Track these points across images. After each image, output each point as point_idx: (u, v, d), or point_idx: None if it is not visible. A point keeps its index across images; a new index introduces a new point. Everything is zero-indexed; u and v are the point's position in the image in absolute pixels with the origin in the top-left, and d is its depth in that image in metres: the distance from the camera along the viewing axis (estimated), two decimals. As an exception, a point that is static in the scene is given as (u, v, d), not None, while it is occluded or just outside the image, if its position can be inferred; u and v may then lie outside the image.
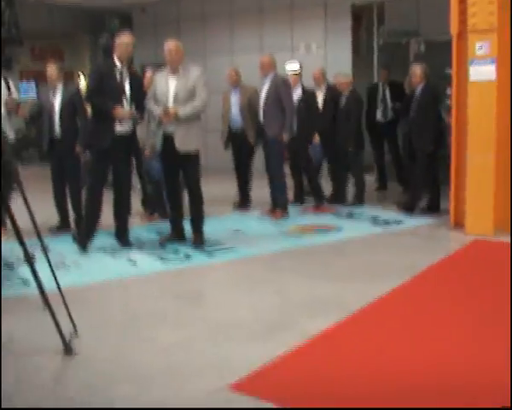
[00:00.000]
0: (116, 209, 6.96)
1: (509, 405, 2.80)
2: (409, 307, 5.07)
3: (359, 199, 9.30)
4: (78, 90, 8.12)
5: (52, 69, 7.68)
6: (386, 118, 10.53)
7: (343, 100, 9.24)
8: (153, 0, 14.43)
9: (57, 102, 7.62)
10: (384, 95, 10.68)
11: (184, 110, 6.70)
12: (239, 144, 9.05)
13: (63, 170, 7.71)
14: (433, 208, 8.56)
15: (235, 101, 9.02)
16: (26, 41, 14.52)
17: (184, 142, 6.76)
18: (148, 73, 8.19)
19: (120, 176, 6.89)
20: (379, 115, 10.59)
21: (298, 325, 4.60)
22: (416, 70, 8.56)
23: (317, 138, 9.26)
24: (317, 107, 9.35)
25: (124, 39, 6.72)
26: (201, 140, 7.14)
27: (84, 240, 6.84)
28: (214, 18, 13.90)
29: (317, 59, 12.34)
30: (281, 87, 8.31)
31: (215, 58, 13.61)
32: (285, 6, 12.83)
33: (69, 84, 8.10)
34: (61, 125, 7.58)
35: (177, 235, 7.15)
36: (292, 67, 9.23)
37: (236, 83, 9.08)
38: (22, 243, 4.37)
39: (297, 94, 8.95)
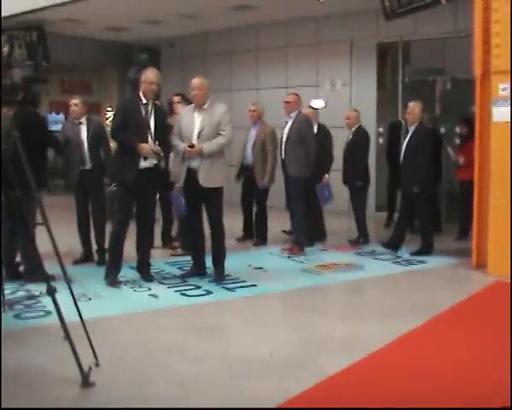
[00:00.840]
0: (139, 242, 7.00)
1: (509, 405, 2.78)
2: (428, 348, 5.04)
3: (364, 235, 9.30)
4: (100, 123, 8.27)
5: (75, 102, 7.80)
6: None
7: (350, 136, 9.25)
8: (181, 34, 14.66)
9: (83, 135, 7.72)
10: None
11: (210, 146, 6.77)
12: (249, 179, 9.17)
13: (88, 201, 7.81)
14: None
15: (251, 136, 9.16)
16: (55, 74, 14.82)
17: (208, 177, 6.82)
18: (176, 99, 8.30)
19: (144, 209, 6.95)
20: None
21: (314, 363, 4.60)
22: (415, 108, 8.56)
23: (327, 178, 9.15)
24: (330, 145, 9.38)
25: (149, 75, 6.79)
26: (225, 176, 7.22)
27: (111, 273, 6.86)
28: (241, 54, 14.09)
29: (342, 96, 12.43)
30: (304, 126, 8.40)
31: (240, 94, 13.76)
32: (310, 42, 12.96)
33: (93, 118, 8.18)
34: (91, 158, 7.69)
35: (199, 270, 7.19)
36: (317, 104, 9.31)
37: (256, 119, 9.18)
38: (45, 274, 4.45)
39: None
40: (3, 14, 11.32)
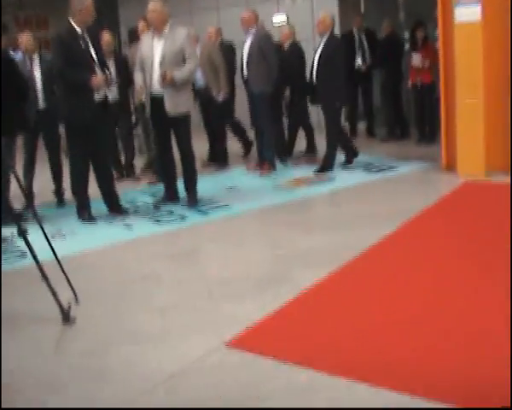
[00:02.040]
0: (101, 181, 6.85)
1: (509, 405, 2.84)
2: (402, 254, 5.11)
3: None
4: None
5: (26, 38, 7.37)
6: (366, 63, 10.56)
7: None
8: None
9: (37, 73, 7.29)
10: (361, 41, 10.68)
11: (181, 74, 6.63)
12: (205, 102, 9.05)
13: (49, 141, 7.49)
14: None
15: None
16: (9, 9, 14.40)
17: (175, 105, 6.72)
18: (142, 25, 8.14)
19: (100, 144, 6.73)
20: (358, 62, 10.59)
21: (292, 278, 4.66)
22: (326, 18, 8.21)
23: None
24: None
25: (81, 2, 6.34)
26: (192, 101, 7.12)
27: (82, 212, 6.78)
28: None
29: (303, 8, 12.22)
30: (263, 41, 8.23)
31: (200, 14, 13.47)
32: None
33: (45, 53, 7.68)
34: (45, 97, 7.25)
35: (171, 197, 7.19)
36: (278, 19, 9.10)
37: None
38: (15, 217, 4.43)
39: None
40: None
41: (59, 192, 7.61)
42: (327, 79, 7.98)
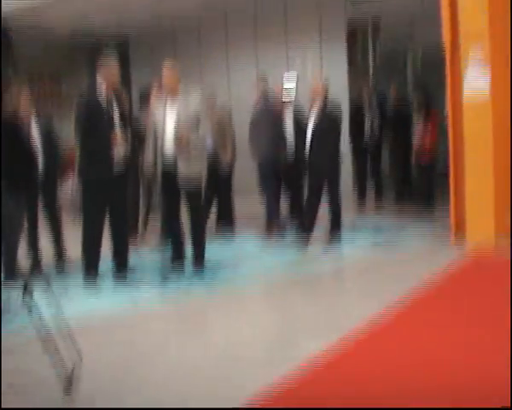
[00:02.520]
0: (115, 245, 6.83)
1: (509, 405, 2.79)
2: (410, 321, 5.07)
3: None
4: (51, 121, 7.84)
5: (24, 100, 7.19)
6: (374, 134, 10.68)
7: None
8: (148, 23, 14.48)
9: (35, 135, 7.21)
10: (371, 106, 10.80)
11: (195, 137, 6.73)
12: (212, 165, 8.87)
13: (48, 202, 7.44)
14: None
15: None
16: (23, 76, 14.56)
17: (188, 166, 6.75)
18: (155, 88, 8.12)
19: (118, 208, 6.77)
20: (367, 126, 10.71)
21: (298, 347, 4.60)
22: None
23: None
24: None
25: (112, 71, 6.62)
26: (205, 165, 7.14)
27: (89, 273, 6.72)
28: (210, 34, 13.92)
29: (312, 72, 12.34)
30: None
31: (211, 74, 13.62)
32: (279, 19, 12.82)
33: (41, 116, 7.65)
34: (46, 158, 7.22)
35: (178, 257, 7.12)
36: (289, 83, 9.13)
37: None
38: (22, 277, 4.40)
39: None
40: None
41: (59, 253, 7.51)
42: (319, 152, 7.77)
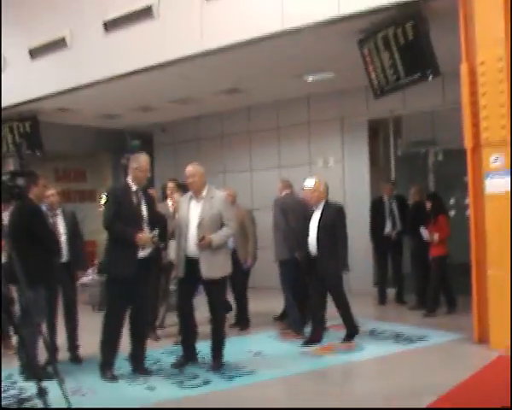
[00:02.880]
0: (134, 339, 6.75)
1: (508, 405, 2.67)
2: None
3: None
4: (74, 213, 7.81)
5: (52, 193, 7.46)
6: (396, 230, 10.66)
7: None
8: (173, 119, 14.80)
9: (60, 227, 7.39)
10: (391, 208, 10.83)
11: (219, 238, 6.73)
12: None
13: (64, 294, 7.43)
14: None
15: None
16: (50, 163, 14.90)
17: (211, 268, 6.73)
18: (171, 185, 8.20)
19: (140, 303, 6.71)
20: (388, 229, 10.71)
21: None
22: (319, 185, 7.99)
23: None
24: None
25: (142, 163, 6.67)
26: (229, 265, 7.07)
27: (105, 369, 6.62)
28: (233, 136, 14.18)
29: (335, 173, 12.47)
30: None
31: (234, 176, 13.80)
32: (302, 121, 13.06)
33: (65, 207, 7.85)
34: (69, 250, 7.34)
35: (190, 358, 7.04)
36: (309, 183, 9.13)
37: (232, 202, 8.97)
38: (37, 375, 4.34)
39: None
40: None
41: (73, 348, 7.45)
42: (328, 250, 7.70)
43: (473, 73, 7.49)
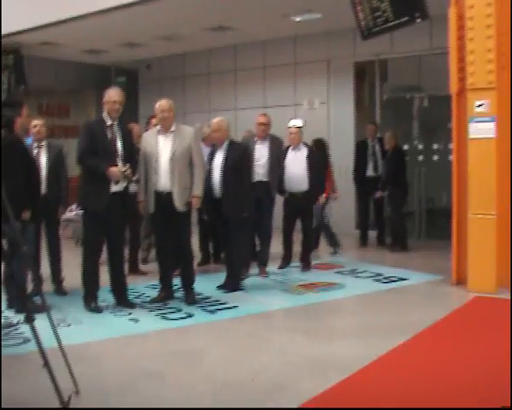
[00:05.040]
0: (112, 271, 6.85)
1: (508, 405, 2.79)
2: (410, 367, 5.04)
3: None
4: (61, 149, 7.73)
5: (41, 123, 7.45)
6: (377, 172, 10.72)
7: None
8: (158, 56, 14.67)
9: (43, 160, 7.34)
10: (374, 150, 10.87)
11: (200, 187, 6.92)
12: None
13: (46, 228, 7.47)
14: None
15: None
16: (33, 97, 14.74)
17: (184, 201, 6.85)
18: (154, 121, 8.14)
19: (115, 236, 6.77)
20: (370, 170, 10.78)
21: (295, 387, 4.57)
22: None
23: (323, 198, 9.16)
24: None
25: (111, 94, 6.64)
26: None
27: (89, 301, 6.73)
28: (219, 75, 14.10)
29: (320, 114, 12.49)
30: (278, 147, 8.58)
31: (219, 114, 13.71)
32: (288, 62, 13.01)
33: (53, 142, 7.83)
34: (47, 185, 7.27)
35: (168, 294, 7.15)
36: (295, 123, 9.14)
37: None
38: (23, 301, 4.39)
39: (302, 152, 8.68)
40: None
41: (58, 281, 7.54)
42: (232, 191, 7.43)
43: (461, 17, 7.50)
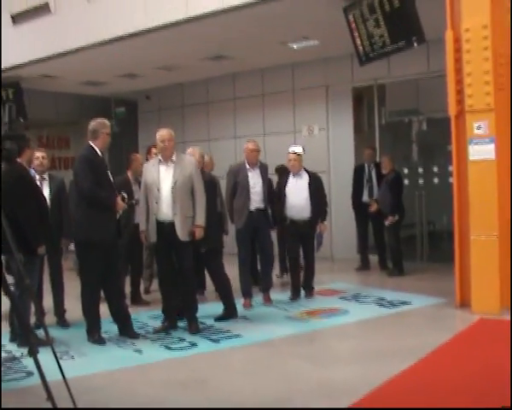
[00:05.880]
0: (113, 305, 6.83)
1: (508, 405, 2.76)
2: (417, 390, 5.00)
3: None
4: (63, 180, 7.71)
5: (43, 155, 7.43)
6: (372, 198, 10.71)
7: None
8: (157, 86, 14.74)
9: (46, 192, 7.24)
10: (370, 175, 10.87)
11: (203, 216, 6.90)
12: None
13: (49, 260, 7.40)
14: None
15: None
16: (33, 130, 14.79)
17: (185, 230, 6.85)
18: (154, 150, 8.17)
19: (113, 263, 6.76)
20: (365, 196, 10.77)
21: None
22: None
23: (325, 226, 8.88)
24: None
25: (108, 127, 6.74)
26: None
27: (92, 332, 6.69)
28: (218, 103, 14.14)
29: (319, 141, 12.51)
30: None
31: (219, 143, 13.78)
32: (287, 89, 13.06)
33: (54, 174, 7.88)
34: (52, 216, 7.03)
35: (170, 323, 7.12)
36: (295, 149, 9.14)
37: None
38: (26, 335, 4.37)
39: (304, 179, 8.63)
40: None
41: (60, 313, 7.49)
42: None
43: (458, 40, 7.55)
